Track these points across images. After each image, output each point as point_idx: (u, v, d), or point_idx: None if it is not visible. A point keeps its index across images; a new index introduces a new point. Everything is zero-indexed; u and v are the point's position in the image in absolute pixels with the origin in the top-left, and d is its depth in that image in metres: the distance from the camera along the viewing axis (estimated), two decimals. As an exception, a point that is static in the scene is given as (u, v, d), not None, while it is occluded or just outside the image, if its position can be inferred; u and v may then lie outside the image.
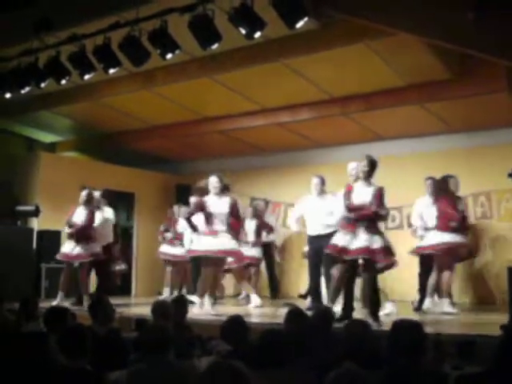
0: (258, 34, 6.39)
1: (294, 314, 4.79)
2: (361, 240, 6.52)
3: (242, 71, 8.48)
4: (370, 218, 6.59)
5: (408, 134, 10.63)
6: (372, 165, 6.76)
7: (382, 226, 8.83)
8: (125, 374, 3.58)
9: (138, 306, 9.25)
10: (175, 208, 10.83)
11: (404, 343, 3.38)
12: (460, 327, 6.99)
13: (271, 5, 6.04)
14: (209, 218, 7.74)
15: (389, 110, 9.42)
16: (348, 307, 6.77)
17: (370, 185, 6.74)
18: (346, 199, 6.76)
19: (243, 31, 6.31)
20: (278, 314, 6.70)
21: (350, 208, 6.73)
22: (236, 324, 4.43)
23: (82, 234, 8.80)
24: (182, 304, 5.63)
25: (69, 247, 8.82)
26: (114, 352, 4.26)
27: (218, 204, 7.74)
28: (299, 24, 6.19)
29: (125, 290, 11.92)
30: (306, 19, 6.19)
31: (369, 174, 6.75)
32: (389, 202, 9.83)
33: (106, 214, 9.45)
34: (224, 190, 7.86)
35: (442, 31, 6.19)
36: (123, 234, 12.26)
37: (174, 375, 3.49)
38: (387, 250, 6.54)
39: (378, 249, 6.48)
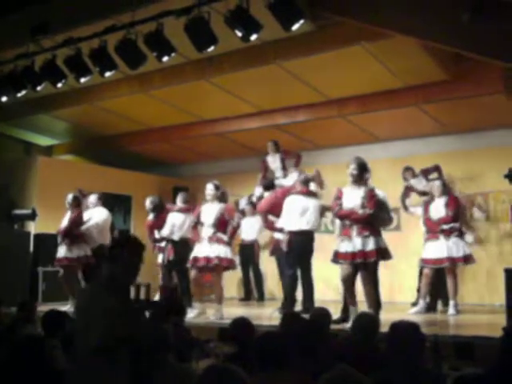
0: (254, 37, 6.40)
1: (290, 316, 4.79)
2: (355, 244, 6.52)
3: (239, 74, 8.50)
4: (361, 221, 6.55)
5: (404, 136, 10.63)
6: (361, 167, 6.66)
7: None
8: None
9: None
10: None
11: (402, 344, 3.38)
12: (457, 329, 6.98)
13: (267, 7, 6.04)
14: (196, 225, 7.87)
15: (385, 112, 9.43)
16: (346, 309, 6.78)
17: (360, 187, 6.66)
18: (336, 205, 6.73)
19: (239, 34, 6.32)
20: (274, 316, 6.72)
21: (339, 215, 6.74)
22: (242, 326, 4.43)
23: (67, 237, 8.82)
24: (180, 307, 5.63)
25: (59, 252, 8.86)
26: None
27: (208, 211, 7.75)
28: (295, 26, 6.20)
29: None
30: (302, 21, 6.21)
31: (359, 177, 6.65)
32: (386, 203, 9.89)
33: (95, 215, 9.25)
34: (220, 197, 7.82)
35: (438, 33, 6.20)
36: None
37: (173, 378, 3.48)
38: (380, 251, 6.53)
39: (371, 251, 6.47)
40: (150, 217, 9.02)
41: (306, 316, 5.15)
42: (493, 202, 9.88)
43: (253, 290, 11.03)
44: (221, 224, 7.67)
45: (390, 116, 9.66)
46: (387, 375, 3.24)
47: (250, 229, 10.61)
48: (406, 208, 9.21)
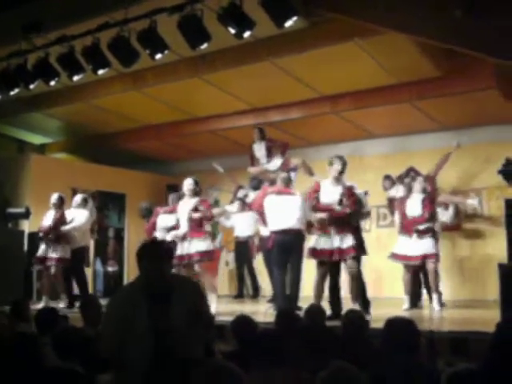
0: (247, 34, 6.40)
1: (285, 314, 4.80)
2: (333, 241, 6.61)
3: (232, 71, 8.49)
4: (339, 218, 6.63)
5: (398, 132, 10.65)
6: (344, 165, 6.80)
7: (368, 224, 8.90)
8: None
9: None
10: None
11: (398, 340, 3.39)
12: (452, 324, 7.00)
13: (260, 4, 6.04)
14: (178, 221, 7.79)
15: (379, 108, 9.44)
16: (336, 306, 6.81)
17: (339, 183, 6.77)
18: (313, 199, 6.81)
19: (232, 31, 6.31)
20: (269, 313, 6.72)
21: (316, 208, 6.80)
22: (244, 323, 4.43)
23: (50, 237, 8.80)
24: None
25: (40, 250, 8.86)
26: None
27: (185, 205, 7.70)
28: (288, 23, 6.19)
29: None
30: (295, 18, 6.20)
31: (342, 173, 6.80)
32: (379, 200, 9.92)
33: (76, 217, 9.10)
34: (197, 192, 7.80)
35: (430, 29, 6.20)
36: (116, 235, 12.25)
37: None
38: (356, 248, 6.62)
39: (348, 248, 6.57)
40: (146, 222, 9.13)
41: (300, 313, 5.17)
42: (487, 197, 9.91)
43: (248, 287, 11.01)
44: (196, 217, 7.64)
45: (384, 112, 9.67)
46: (381, 371, 3.25)
47: (244, 225, 10.49)
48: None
